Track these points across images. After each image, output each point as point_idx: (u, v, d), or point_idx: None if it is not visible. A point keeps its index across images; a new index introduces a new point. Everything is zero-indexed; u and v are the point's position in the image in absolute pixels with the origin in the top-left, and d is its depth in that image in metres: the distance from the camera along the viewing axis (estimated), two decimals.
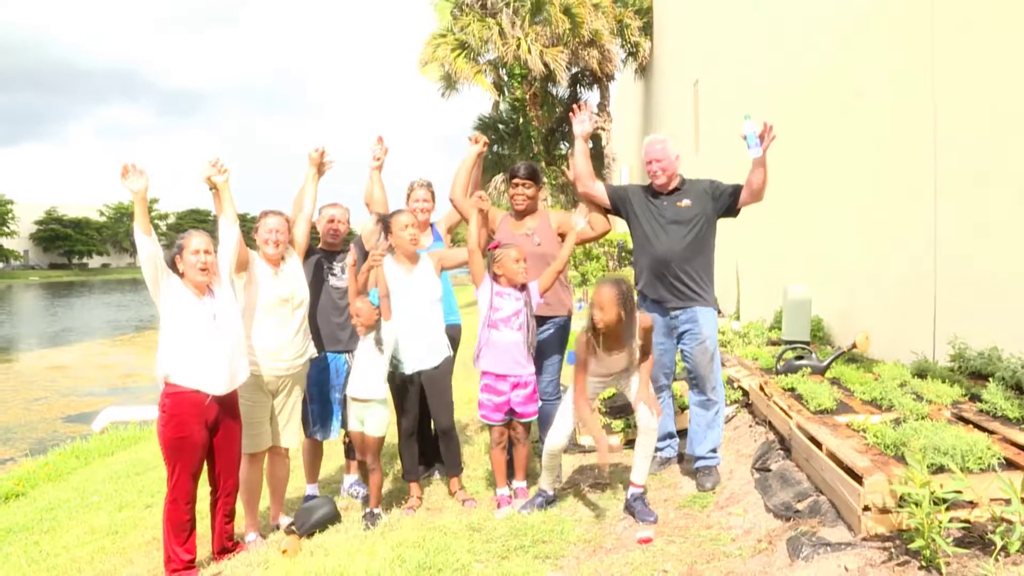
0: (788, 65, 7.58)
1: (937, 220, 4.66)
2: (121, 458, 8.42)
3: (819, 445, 3.34)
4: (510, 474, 4.07)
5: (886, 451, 3.05)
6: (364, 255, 4.39)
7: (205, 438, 3.56)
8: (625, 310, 3.44)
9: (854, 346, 4.68)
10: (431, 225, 4.73)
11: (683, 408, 4.79)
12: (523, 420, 3.99)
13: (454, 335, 4.66)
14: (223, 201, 3.74)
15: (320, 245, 4.48)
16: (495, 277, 3.88)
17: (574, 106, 4.31)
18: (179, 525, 3.54)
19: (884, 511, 2.72)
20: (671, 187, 4.06)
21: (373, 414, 3.96)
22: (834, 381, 4.48)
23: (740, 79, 9.48)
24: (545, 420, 4.21)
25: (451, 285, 4.75)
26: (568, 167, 4.31)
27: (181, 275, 3.55)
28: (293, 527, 3.92)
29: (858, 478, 2.83)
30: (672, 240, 3.95)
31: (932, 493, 2.45)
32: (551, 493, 3.93)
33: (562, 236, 4.10)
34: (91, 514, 5.83)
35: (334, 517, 4.02)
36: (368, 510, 3.97)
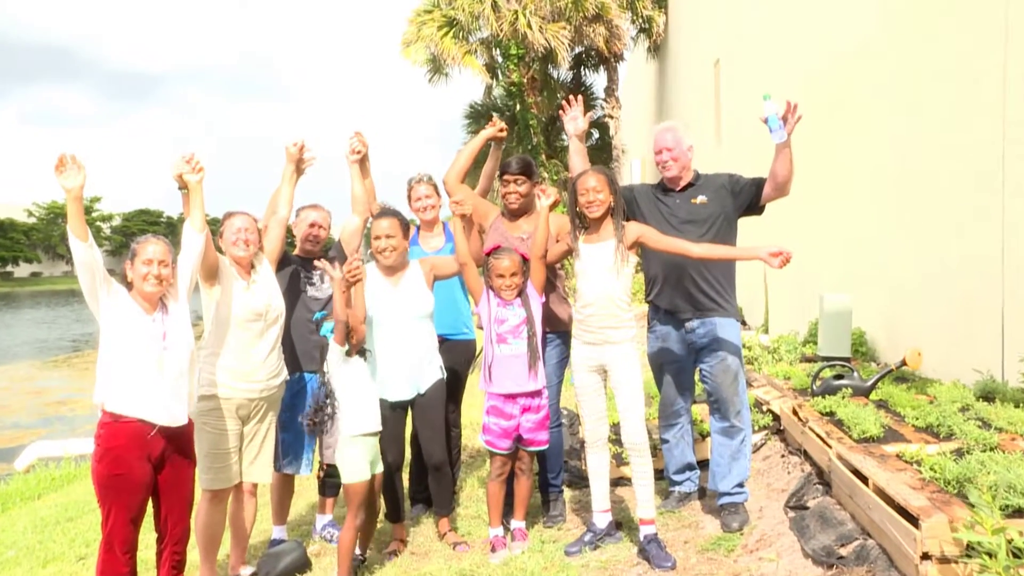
0: (825, 43, 7.62)
1: (1006, 215, 4.63)
2: (50, 502, 8.28)
3: (865, 479, 3.32)
4: (508, 512, 4.04)
5: (947, 488, 3.00)
6: (344, 261, 4.38)
7: (148, 476, 3.48)
8: (614, 192, 3.76)
9: (904, 363, 4.66)
10: (443, 224, 4.75)
11: (704, 436, 4.78)
12: (532, 449, 3.99)
13: (467, 351, 4.65)
14: (192, 204, 3.71)
15: (296, 252, 4.47)
16: (491, 283, 3.91)
17: (563, 103, 4.33)
18: None
19: (948, 560, 2.66)
20: (684, 183, 4.07)
21: (377, 447, 3.93)
22: (880, 404, 4.47)
23: (768, 58, 9.53)
24: (545, 451, 4.19)
25: (463, 293, 4.73)
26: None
27: (130, 285, 3.53)
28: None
29: (914, 520, 2.79)
30: None
31: (1010, 542, 2.40)
32: (602, 527, 3.89)
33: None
34: (5, 573, 5.72)
35: (303, 565, 3.98)
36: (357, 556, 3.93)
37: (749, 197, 4.01)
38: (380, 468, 3.94)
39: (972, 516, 2.59)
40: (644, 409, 3.82)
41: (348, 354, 3.83)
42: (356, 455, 3.78)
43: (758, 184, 3.99)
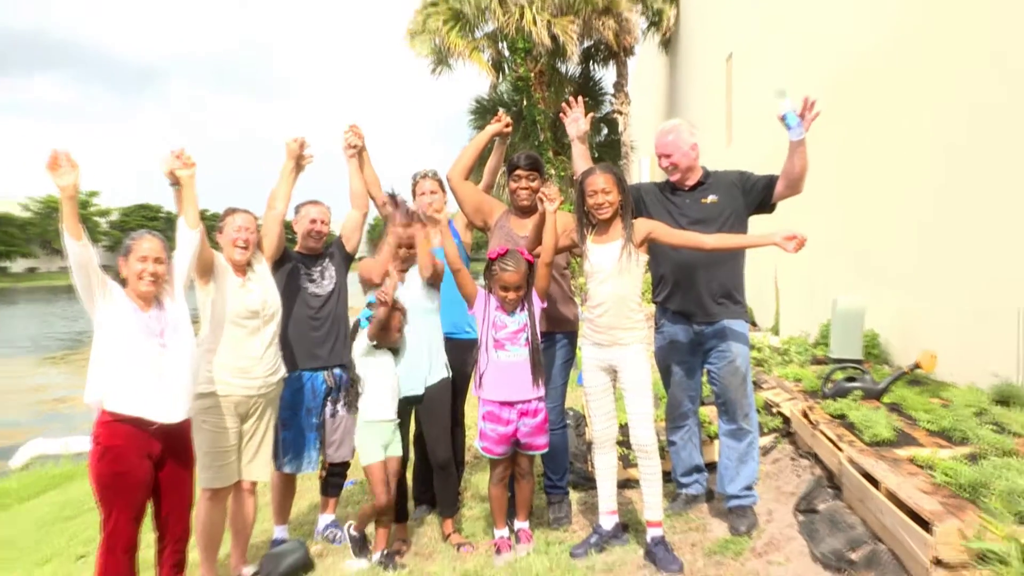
0: (844, 38, 7.59)
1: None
2: (47, 500, 8.35)
3: (876, 483, 3.34)
4: (512, 513, 4.06)
5: (960, 493, 3.01)
6: (345, 256, 4.47)
7: (148, 474, 3.52)
8: (623, 192, 3.74)
9: (917, 366, 4.68)
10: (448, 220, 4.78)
11: (711, 438, 4.79)
12: (531, 453, 3.98)
13: (470, 351, 4.68)
14: (185, 200, 3.75)
15: (297, 248, 4.50)
16: (492, 291, 3.87)
17: (564, 105, 4.34)
18: None
19: (960, 567, 2.67)
20: (693, 182, 4.08)
21: (397, 433, 4.10)
22: (893, 407, 4.48)
23: (783, 54, 9.51)
24: (550, 453, 4.21)
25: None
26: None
27: (124, 281, 3.56)
28: (256, 574, 3.93)
29: (926, 525, 2.80)
30: None
31: (1022, 548, 2.41)
32: (608, 529, 3.90)
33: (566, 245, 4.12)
34: (4, 574, 5.75)
35: (306, 565, 4.01)
36: (385, 551, 4.01)
37: (760, 195, 4.02)
38: (397, 452, 4.07)
39: (985, 522, 2.60)
40: (653, 411, 3.83)
41: (376, 347, 4.00)
42: (369, 439, 4.01)
43: (770, 182, 3.99)
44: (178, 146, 3.73)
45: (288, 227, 4.38)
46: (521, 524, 4.01)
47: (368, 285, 4.17)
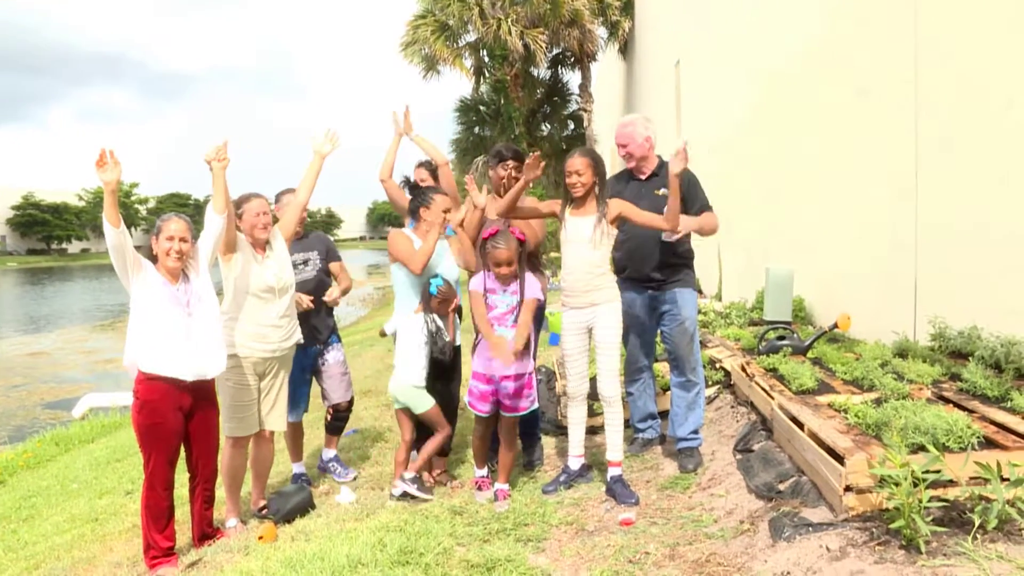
0: (771, 47, 7.53)
1: (918, 201, 4.66)
2: (101, 444, 8.34)
3: (801, 426, 3.33)
4: (492, 456, 4.02)
5: (867, 431, 3.03)
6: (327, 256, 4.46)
7: (180, 424, 3.52)
8: (597, 174, 3.64)
9: (836, 326, 4.67)
10: None
11: (664, 389, 4.78)
12: (513, 415, 3.78)
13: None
14: (215, 188, 3.62)
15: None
16: (488, 268, 3.72)
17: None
18: (157, 512, 3.51)
19: (865, 491, 2.71)
20: (648, 172, 4.00)
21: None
22: (816, 361, 4.48)
23: (722, 60, 9.42)
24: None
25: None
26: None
27: (155, 258, 3.50)
28: (265, 510, 3.93)
29: (840, 458, 2.82)
30: None
31: (912, 473, 2.45)
32: (576, 469, 3.86)
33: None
34: (71, 501, 5.76)
35: (309, 505, 3.97)
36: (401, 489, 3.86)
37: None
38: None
39: (885, 454, 2.64)
40: (619, 366, 3.78)
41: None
42: (420, 394, 3.92)
43: (698, 213, 3.96)
44: (222, 141, 3.60)
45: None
46: (501, 486, 3.79)
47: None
